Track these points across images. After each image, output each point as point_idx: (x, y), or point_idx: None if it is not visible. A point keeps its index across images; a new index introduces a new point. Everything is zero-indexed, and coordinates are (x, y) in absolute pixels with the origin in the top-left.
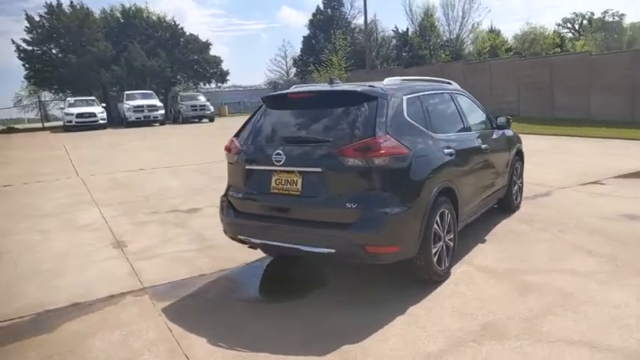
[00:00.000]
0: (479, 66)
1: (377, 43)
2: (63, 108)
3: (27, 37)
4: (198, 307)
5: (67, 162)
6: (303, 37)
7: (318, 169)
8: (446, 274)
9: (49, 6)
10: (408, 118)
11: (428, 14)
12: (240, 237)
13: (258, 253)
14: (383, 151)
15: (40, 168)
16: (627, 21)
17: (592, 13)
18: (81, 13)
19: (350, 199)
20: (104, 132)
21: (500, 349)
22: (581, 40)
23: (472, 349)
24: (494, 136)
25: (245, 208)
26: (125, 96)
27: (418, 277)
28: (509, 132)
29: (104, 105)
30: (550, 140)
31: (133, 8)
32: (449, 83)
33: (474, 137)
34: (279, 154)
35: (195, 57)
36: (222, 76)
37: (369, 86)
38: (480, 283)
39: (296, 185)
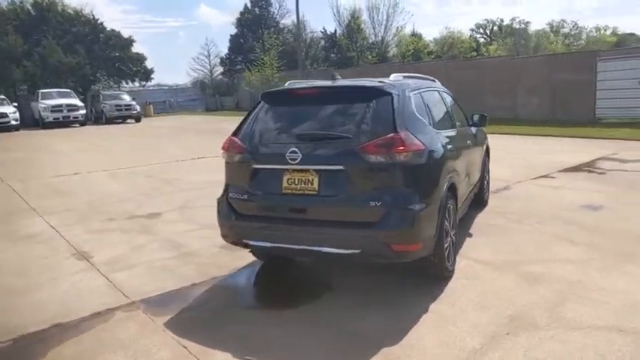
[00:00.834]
0: (408, 67)
1: (306, 43)
2: None
3: None
4: (204, 319)
5: None
6: (231, 35)
7: (340, 167)
8: (453, 270)
9: None
10: (418, 115)
11: (354, 17)
12: (245, 241)
13: (245, 258)
14: (406, 147)
15: None
16: (532, 28)
17: (502, 20)
18: None
19: (374, 196)
20: (19, 134)
21: (538, 339)
22: (493, 45)
23: (510, 341)
24: (472, 132)
25: (250, 211)
26: (40, 95)
27: (431, 273)
28: (479, 128)
29: (15, 105)
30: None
31: (47, 1)
32: (433, 81)
33: (462, 133)
34: (295, 152)
35: (117, 54)
36: (147, 75)
37: (380, 82)
38: (486, 276)
39: (312, 184)
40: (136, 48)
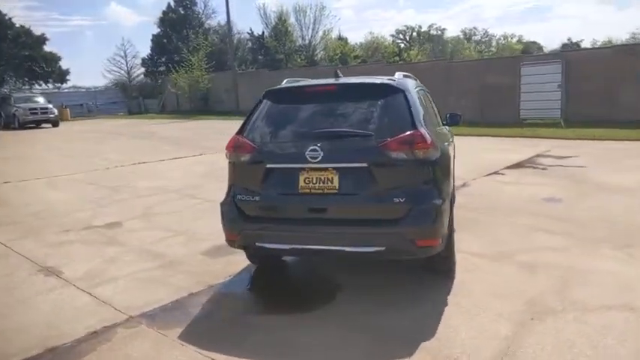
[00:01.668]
0: (344, 71)
1: (233, 45)
2: None
3: None
4: (221, 329)
5: None
6: (153, 35)
7: (363, 165)
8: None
9: None
10: (424, 112)
11: (282, 19)
12: (259, 244)
13: (236, 264)
14: (426, 144)
15: None
16: (447, 34)
17: (420, 26)
18: None
19: (397, 193)
20: None
21: (562, 322)
22: (414, 50)
23: (538, 326)
24: (448, 130)
25: (263, 212)
26: None
27: (440, 269)
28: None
29: None
30: None
31: None
32: (415, 79)
33: (445, 131)
34: (315, 151)
35: (27, 53)
36: (62, 76)
37: (389, 79)
38: (486, 267)
39: (332, 183)
40: (47, 47)
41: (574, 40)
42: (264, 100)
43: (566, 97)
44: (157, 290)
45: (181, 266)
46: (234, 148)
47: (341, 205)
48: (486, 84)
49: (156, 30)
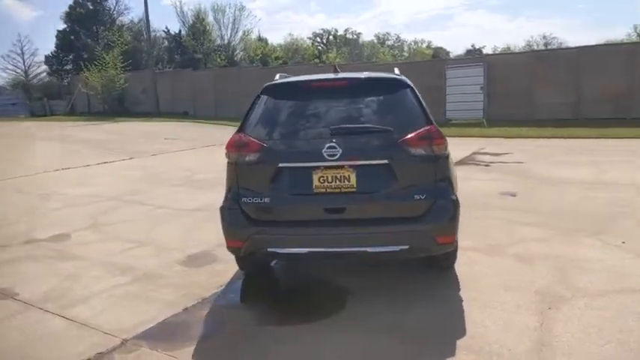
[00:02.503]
0: (273, 71)
1: (148, 43)
2: None
3: None
4: (236, 344)
5: None
6: (58, 31)
7: (384, 161)
8: None
9: None
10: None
11: (199, 18)
12: (272, 250)
13: (221, 274)
14: (442, 139)
15: None
16: (362, 38)
17: (336, 30)
18: None
19: (417, 190)
20: None
21: (578, 309)
22: (333, 53)
23: (559, 314)
24: None
25: (274, 215)
26: None
27: (443, 264)
28: None
29: None
30: None
31: None
32: None
33: None
34: (333, 148)
35: None
36: None
37: (396, 74)
38: (483, 261)
39: (349, 181)
40: None
41: (476, 47)
42: (263, 96)
43: (488, 99)
44: (143, 307)
45: (160, 279)
46: (237, 147)
47: (360, 204)
48: (418, 85)
49: (61, 25)
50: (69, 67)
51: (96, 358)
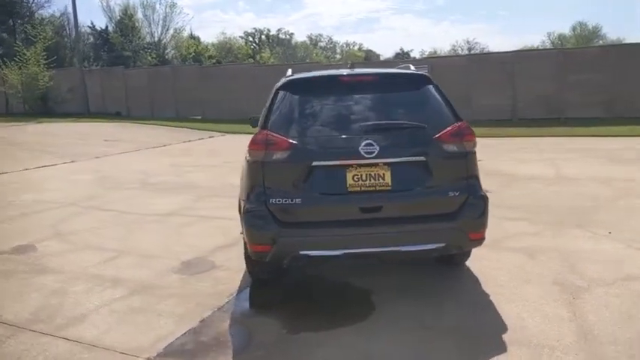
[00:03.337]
0: (211, 70)
1: (70, 39)
2: None
3: None
4: (278, 354)
5: None
6: None
7: (421, 158)
8: None
9: None
10: None
11: (128, 14)
12: (304, 253)
13: (225, 281)
14: (473, 135)
15: None
16: (295, 39)
17: (269, 30)
18: None
19: (451, 186)
20: None
21: (600, 297)
22: (267, 53)
23: (586, 304)
24: None
25: (307, 217)
26: None
27: (458, 260)
28: None
29: None
30: None
31: None
32: None
33: None
34: (371, 145)
35: None
36: None
37: (417, 70)
38: (489, 256)
39: (384, 179)
40: None
41: (405, 50)
42: (284, 92)
43: None
44: (154, 322)
45: (160, 290)
46: (265, 145)
47: (396, 202)
48: None
49: None
50: None
51: None
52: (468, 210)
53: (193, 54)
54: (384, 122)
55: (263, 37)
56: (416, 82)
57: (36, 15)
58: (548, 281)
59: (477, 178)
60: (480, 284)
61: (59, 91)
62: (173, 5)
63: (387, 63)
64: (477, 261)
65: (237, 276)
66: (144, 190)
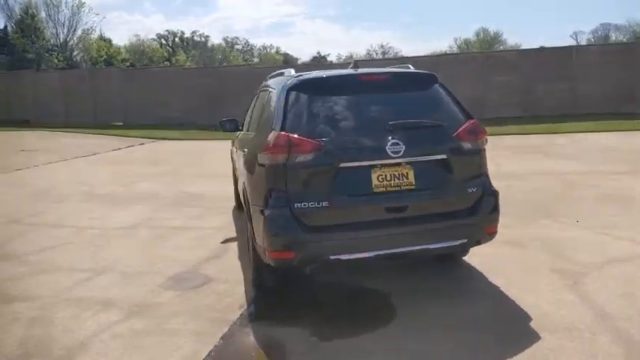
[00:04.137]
0: (135, 73)
1: None
2: None
3: None
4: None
5: None
6: None
7: (443, 156)
8: None
9: None
10: None
11: (29, 13)
12: (334, 257)
13: (227, 293)
14: (485, 132)
15: None
16: (211, 42)
17: (182, 32)
18: None
19: (469, 183)
20: None
21: (599, 279)
22: (182, 56)
23: (589, 287)
24: None
25: (333, 219)
26: None
27: (459, 256)
28: None
29: None
30: None
31: None
32: None
33: None
34: (397, 144)
35: None
36: None
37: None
38: (478, 250)
39: (408, 178)
40: None
41: (322, 54)
42: (296, 92)
43: None
44: (171, 344)
45: (160, 309)
46: (287, 146)
47: (420, 200)
48: None
49: None
50: None
51: None
52: (485, 205)
53: (105, 57)
54: (409, 121)
55: (177, 39)
56: (426, 81)
57: None
58: (545, 269)
59: (487, 174)
60: (487, 278)
61: None
62: (81, 5)
63: (387, 62)
64: (474, 256)
65: (240, 288)
66: (94, 203)
